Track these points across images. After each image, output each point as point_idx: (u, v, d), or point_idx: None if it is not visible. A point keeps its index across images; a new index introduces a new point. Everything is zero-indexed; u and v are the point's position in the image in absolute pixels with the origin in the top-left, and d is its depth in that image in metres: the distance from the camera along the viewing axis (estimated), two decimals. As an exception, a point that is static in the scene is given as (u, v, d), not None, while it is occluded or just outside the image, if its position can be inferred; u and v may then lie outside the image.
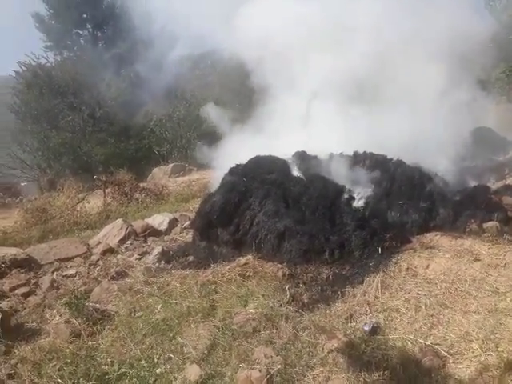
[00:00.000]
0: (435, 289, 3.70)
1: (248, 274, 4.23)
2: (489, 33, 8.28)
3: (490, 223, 4.77)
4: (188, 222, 6.20)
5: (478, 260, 4.04)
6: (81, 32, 20.92)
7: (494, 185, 6.38)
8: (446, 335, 3.13)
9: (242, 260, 4.49)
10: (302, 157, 5.79)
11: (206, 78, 14.91)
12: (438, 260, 4.12)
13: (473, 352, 2.92)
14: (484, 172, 6.88)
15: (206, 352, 3.13)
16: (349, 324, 3.39)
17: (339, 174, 5.55)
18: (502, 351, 2.85)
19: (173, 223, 6.31)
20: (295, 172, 5.57)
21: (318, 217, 4.85)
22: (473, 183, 5.95)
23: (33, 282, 4.62)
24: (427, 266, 4.06)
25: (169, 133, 15.54)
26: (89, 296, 4.16)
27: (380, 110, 6.18)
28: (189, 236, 5.79)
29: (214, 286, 4.07)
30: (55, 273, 4.87)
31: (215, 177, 6.40)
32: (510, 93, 12.87)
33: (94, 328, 3.60)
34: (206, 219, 5.22)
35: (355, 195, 5.23)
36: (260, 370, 2.83)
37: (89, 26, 20.59)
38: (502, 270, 3.86)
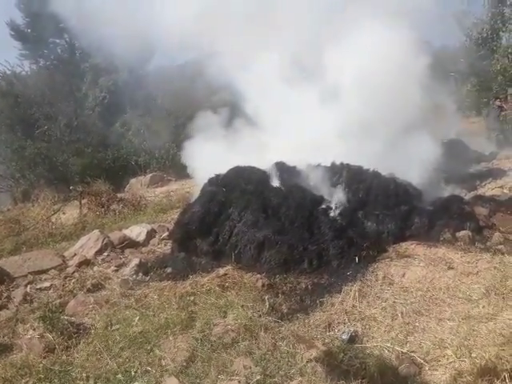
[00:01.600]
0: (411, 297, 3.77)
1: (227, 284, 4.22)
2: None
3: (463, 232, 4.91)
4: (166, 233, 6.14)
5: (452, 268, 4.15)
6: (58, 41, 20.66)
7: (466, 195, 6.58)
8: (421, 342, 3.19)
9: (221, 271, 4.48)
10: (281, 167, 5.85)
11: (184, 89, 14.91)
12: (413, 268, 4.21)
13: (447, 358, 2.98)
14: (456, 183, 7.08)
15: (184, 364, 3.10)
16: (327, 333, 3.42)
17: (317, 184, 5.63)
18: (476, 357, 2.92)
19: (151, 234, 6.23)
20: (274, 182, 5.62)
21: (296, 227, 4.90)
22: (446, 194, 6.12)
23: (5, 295, 4.48)
24: (403, 275, 4.14)
25: (147, 143, 15.42)
26: (64, 309, 4.06)
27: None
28: (167, 247, 5.74)
29: (192, 298, 4.04)
30: (29, 286, 4.74)
31: (194, 187, 6.40)
32: (479, 107, 13.33)
33: (69, 342, 3.51)
34: (184, 230, 5.20)
35: (333, 205, 5.30)
36: (239, 381, 2.83)
37: (66, 36, 20.34)
38: (474, 278, 3.97)
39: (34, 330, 3.73)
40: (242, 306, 3.76)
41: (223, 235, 4.97)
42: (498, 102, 11.77)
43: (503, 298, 3.57)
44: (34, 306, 4.24)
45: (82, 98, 16.07)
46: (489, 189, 7.01)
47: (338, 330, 3.43)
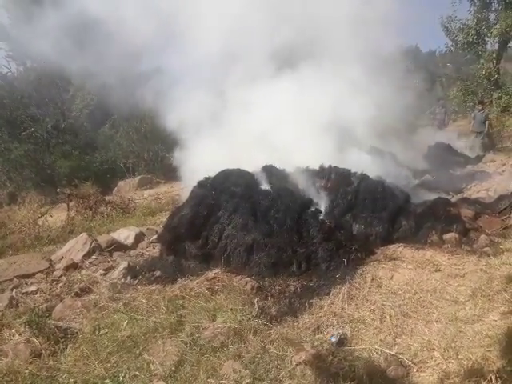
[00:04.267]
0: (399, 299, 3.81)
1: (216, 287, 4.21)
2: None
3: (450, 234, 4.97)
4: (155, 236, 6.11)
5: (439, 270, 4.20)
6: (46, 42, 20.39)
7: (452, 198, 6.67)
8: (409, 344, 3.22)
9: (211, 274, 4.47)
10: (270, 170, 5.86)
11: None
12: (401, 271, 4.25)
13: (435, 360, 3.01)
14: (443, 185, 7.18)
15: (173, 368, 3.08)
16: (316, 336, 3.43)
17: (306, 187, 5.66)
18: (462, 359, 2.96)
19: (139, 237, 6.19)
20: (263, 185, 5.63)
21: (285, 230, 4.91)
22: (433, 196, 6.20)
23: (-10, 300, 4.40)
24: (391, 277, 4.18)
25: (136, 145, 15.32)
26: (51, 314, 3.99)
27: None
28: (156, 250, 5.70)
29: (181, 301, 4.01)
30: (14, 290, 4.66)
31: (183, 190, 6.40)
32: (465, 110, 13.53)
33: (56, 347, 3.46)
34: (173, 233, 5.17)
35: (321, 208, 5.33)
36: (228, 385, 2.81)
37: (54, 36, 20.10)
38: (461, 280, 4.02)
39: (20, 334, 3.67)
40: (231, 310, 3.75)
41: (212, 238, 4.96)
42: (479, 107, 11.97)
43: (489, 299, 3.63)
44: (20, 310, 4.16)
45: (69, 100, 15.89)
46: (474, 191, 7.12)
47: (327, 333, 3.44)
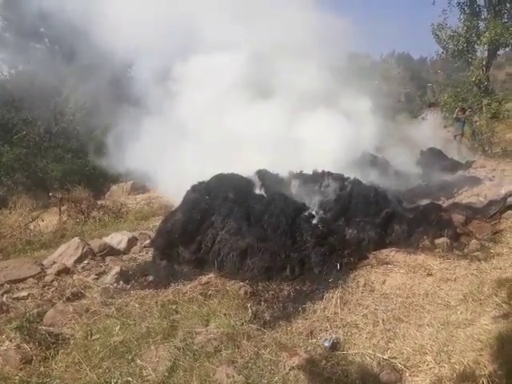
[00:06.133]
0: (391, 303, 3.83)
1: (210, 292, 4.20)
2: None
3: (441, 239, 5.02)
4: (148, 241, 6.08)
5: (431, 275, 4.23)
6: (38, 45, 20.30)
7: (444, 203, 6.73)
8: (402, 349, 3.23)
9: (204, 278, 4.46)
10: (264, 175, 5.88)
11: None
12: (393, 275, 4.27)
13: (427, 364, 3.03)
14: (434, 191, 7.25)
15: (166, 374, 3.06)
16: (309, 340, 3.43)
17: (299, 192, 5.69)
18: (455, 363, 2.98)
19: (132, 242, 6.16)
20: (257, 190, 5.64)
21: (279, 234, 4.92)
22: (424, 201, 6.26)
23: (-20, 305, 4.34)
24: (383, 282, 4.20)
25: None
26: (42, 319, 3.95)
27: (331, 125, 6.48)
28: (149, 255, 5.68)
29: (174, 306, 4.00)
30: (5, 295, 4.60)
31: (175, 194, 6.40)
32: (456, 116, 13.66)
33: (47, 353, 3.42)
34: (166, 238, 5.16)
35: (314, 212, 5.35)
36: (222, 391, 2.81)
37: (46, 40, 20.02)
38: (452, 284, 4.06)
39: (11, 340, 3.62)
40: (225, 314, 3.74)
41: (206, 243, 4.95)
42: (460, 112, 12.28)
43: (480, 303, 3.66)
44: (10, 315, 4.11)
45: (62, 103, 15.81)
46: (466, 197, 7.19)
47: (320, 338, 3.44)
